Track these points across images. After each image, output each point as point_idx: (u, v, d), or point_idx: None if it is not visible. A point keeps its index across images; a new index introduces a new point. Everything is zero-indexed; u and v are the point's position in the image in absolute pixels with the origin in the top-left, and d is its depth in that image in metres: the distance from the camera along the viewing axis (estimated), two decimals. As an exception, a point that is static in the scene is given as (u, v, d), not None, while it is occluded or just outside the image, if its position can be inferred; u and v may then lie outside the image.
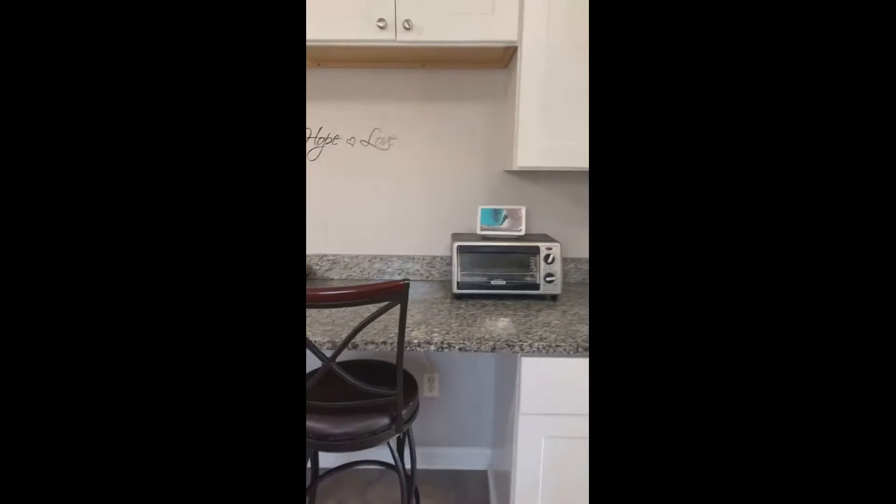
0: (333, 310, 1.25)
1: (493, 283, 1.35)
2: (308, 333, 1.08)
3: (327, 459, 1.74)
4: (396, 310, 1.18)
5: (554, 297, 1.38)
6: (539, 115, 1.21)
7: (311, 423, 1.03)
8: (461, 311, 1.26)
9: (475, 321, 1.18)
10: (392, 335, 1.07)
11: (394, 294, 0.89)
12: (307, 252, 1.61)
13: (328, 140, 1.53)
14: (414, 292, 1.45)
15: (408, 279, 1.62)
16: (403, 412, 1.07)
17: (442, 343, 1.05)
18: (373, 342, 1.04)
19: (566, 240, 1.58)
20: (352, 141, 1.53)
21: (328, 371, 0.96)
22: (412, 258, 1.60)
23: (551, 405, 1.07)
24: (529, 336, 1.07)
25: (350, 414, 1.03)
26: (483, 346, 1.04)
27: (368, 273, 1.61)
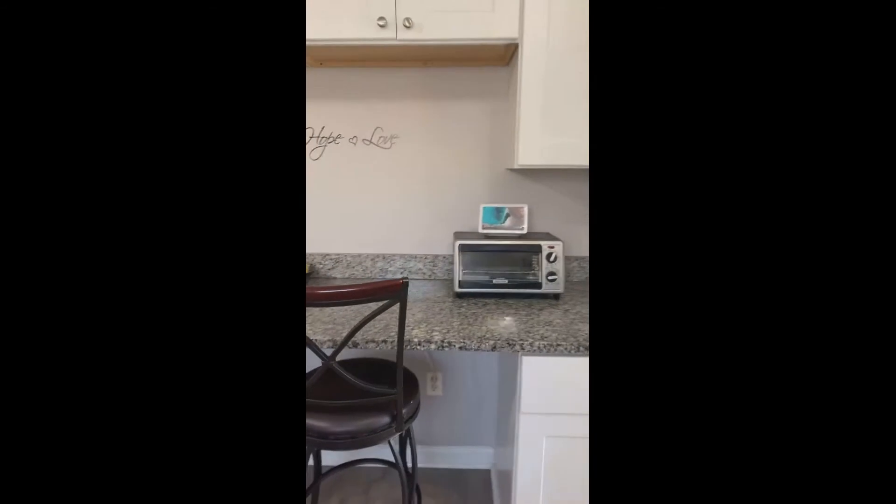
0: (334, 308, 1.26)
1: (495, 281, 1.34)
2: (309, 332, 1.08)
3: (330, 457, 1.75)
4: (397, 308, 1.18)
5: (556, 296, 1.37)
6: (540, 114, 1.20)
7: (312, 422, 1.03)
8: (463, 309, 1.26)
9: (476, 320, 1.18)
10: (393, 334, 1.07)
11: (393, 292, 0.90)
12: (310, 251, 1.62)
13: (330, 139, 1.53)
14: (416, 291, 1.45)
15: (407, 278, 1.62)
16: (404, 411, 1.07)
17: (442, 342, 1.05)
18: (373, 341, 1.04)
19: (569, 238, 1.58)
20: (354, 140, 1.53)
21: (329, 370, 0.96)
22: (414, 257, 1.60)
23: (552, 405, 1.07)
24: (530, 335, 1.07)
25: (350, 412, 1.04)
26: (483, 345, 1.04)
27: (371, 272, 1.61)
